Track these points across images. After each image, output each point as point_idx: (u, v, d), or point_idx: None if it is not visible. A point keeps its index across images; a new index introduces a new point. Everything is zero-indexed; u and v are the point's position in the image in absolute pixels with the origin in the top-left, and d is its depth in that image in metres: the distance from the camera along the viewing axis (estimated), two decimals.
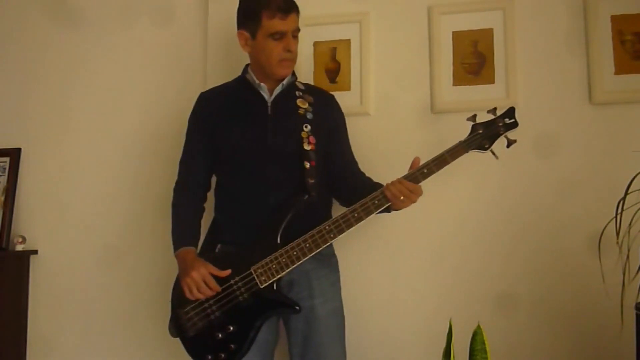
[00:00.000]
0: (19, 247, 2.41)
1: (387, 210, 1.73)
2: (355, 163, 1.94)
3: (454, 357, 1.51)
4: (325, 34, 2.19)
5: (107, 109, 2.47)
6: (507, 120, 1.73)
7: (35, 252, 2.44)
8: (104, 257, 2.40)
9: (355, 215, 1.69)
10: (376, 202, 1.69)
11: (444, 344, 1.54)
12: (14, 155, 2.50)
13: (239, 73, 1.96)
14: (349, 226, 1.69)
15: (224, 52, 2.31)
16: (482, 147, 1.72)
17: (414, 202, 1.70)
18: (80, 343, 2.39)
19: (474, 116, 1.73)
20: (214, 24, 2.34)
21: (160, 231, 2.33)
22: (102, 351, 2.37)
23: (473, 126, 1.73)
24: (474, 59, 2.10)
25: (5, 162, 2.50)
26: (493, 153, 1.72)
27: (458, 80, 2.10)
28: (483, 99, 2.04)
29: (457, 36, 2.12)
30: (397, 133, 2.12)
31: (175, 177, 1.96)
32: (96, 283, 2.40)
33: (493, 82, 2.07)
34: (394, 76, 2.17)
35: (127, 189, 2.42)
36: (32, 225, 2.48)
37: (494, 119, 1.73)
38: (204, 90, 1.99)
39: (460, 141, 1.72)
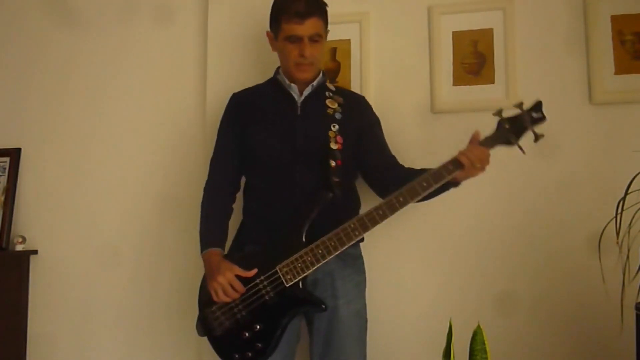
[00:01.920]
0: (19, 247, 2.41)
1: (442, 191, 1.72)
2: (395, 157, 1.92)
3: (454, 357, 1.51)
4: None
5: (107, 108, 2.47)
6: (534, 115, 1.70)
7: (35, 252, 2.44)
8: (104, 257, 2.40)
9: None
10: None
11: (444, 344, 1.54)
12: (14, 155, 2.50)
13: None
14: (374, 223, 1.69)
15: (224, 52, 2.31)
16: (509, 142, 1.70)
17: (483, 170, 1.69)
18: (80, 343, 2.39)
19: (500, 111, 1.71)
20: (214, 24, 2.34)
21: (160, 230, 2.35)
22: (102, 351, 2.37)
23: (499, 121, 1.71)
24: (474, 59, 2.10)
25: (5, 162, 2.50)
26: (520, 148, 1.70)
27: (458, 80, 2.10)
28: (483, 99, 2.05)
29: (457, 36, 2.12)
30: (397, 133, 2.12)
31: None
32: (96, 283, 2.39)
33: (493, 82, 2.07)
34: (394, 76, 2.17)
35: (127, 188, 2.42)
36: (32, 225, 2.48)
37: (521, 113, 1.70)
38: (236, 92, 1.98)
39: (486, 136, 1.71)
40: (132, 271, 2.38)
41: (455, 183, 1.74)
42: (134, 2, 2.49)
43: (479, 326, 1.52)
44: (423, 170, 1.73)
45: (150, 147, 2.42)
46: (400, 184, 1.71)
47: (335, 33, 2.19)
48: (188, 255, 2.22)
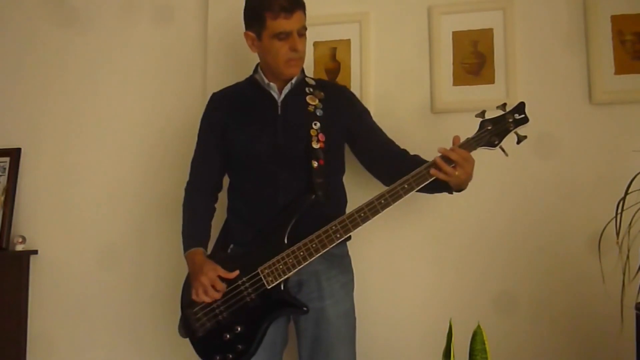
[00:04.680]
0: (19, 247, 2.41)
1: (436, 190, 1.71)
2: (393, 142, 1.89)
3: (454, 357, 1.50)
4: (325, 34, 2.19)
5: (107, 108, 2.47)
6: (517, 116, 1.68)
7: (35, 252, 2.44)
8: (104, 257, 2.40)
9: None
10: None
11: (444, 344, 1.54)
12: (14, 155, 2.50)
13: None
14: (356, 225, 1.67)
15: (224, 52, 2.31)
16: (491, 144, 1.67)
17: (468, 174, 1.65)
18: (80, 343, 2.39)
19: (483, 112, 1.69)
20: (214, 24, 2.34)
21: (161, 230, 2.35)
22: (102, 351, 2.37)
23: (482, 122, 1.69)
24: (474, 59, 2.10)
25: (5, 162, 2.50)
26: (502, 150, 1.68)
27: (458, 80, 2.10)
28: (483, 99, 2.04)
29: (457, 36, 2.12)
30: (397, 133, 2.11)
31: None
32: (96, 283, 2.40)
33: (493, 82, 2.07)
34: (394, 76, 2.17)
35: (127, 188, 2.42)
36: (32, 225, 2.48)
37: (504, 114, 1.68)
38: (215, 91, 1.96)
39: (468, 138, 1.69)
40: (132, 271, 2.38)
41: (455, 190, 1.72)
42: (133, 1, 2.49)
43: (479, 326, 1.52)
44: (424, 162, 1.71)
45: (151, 147, 2.42)
46: (405, 174, 1.68)
47: (335, 33, 2.20)
48: None
